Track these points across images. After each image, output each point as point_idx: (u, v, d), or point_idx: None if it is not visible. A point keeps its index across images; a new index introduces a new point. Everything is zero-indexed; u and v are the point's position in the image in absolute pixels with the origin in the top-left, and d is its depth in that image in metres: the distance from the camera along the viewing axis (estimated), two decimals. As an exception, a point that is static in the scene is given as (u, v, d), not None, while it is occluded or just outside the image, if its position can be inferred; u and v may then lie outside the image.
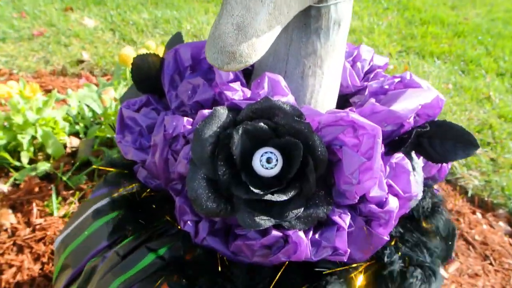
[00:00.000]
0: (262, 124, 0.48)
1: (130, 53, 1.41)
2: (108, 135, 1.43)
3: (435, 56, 3.07)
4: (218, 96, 0.54)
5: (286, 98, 0.51)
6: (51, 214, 1.21)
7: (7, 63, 2.39)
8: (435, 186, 0.72)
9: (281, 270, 0.52)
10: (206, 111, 0.51)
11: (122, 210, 0.60)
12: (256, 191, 0.46)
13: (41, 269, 1.09)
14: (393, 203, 0.51)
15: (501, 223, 1.76)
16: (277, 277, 0.51)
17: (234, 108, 0.51)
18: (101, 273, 0.61)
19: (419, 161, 0.60)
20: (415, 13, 3.83)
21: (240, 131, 0.48)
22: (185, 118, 0.53)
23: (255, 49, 0.43)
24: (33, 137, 1.37)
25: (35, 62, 2.42)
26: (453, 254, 0.84)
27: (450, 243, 0.65)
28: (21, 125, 1.31)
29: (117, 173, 0.70)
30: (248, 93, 0.54)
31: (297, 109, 0.49)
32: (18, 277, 1.05)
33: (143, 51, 1.50)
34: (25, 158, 1.35)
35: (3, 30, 2.68)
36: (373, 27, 3.44)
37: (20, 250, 1.12)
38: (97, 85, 2.04)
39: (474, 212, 1.78)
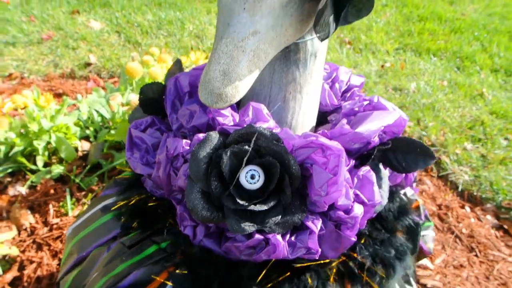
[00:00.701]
0: (246, 147, 0.59)
1: (135, 66, 1.51)
2: (116, 139, 1.54)
3: (431, 53, 3.15)
4: (212, 121, 0.64)
5: (267, 124, 0.62)
6: (66, 214, 1.33)
7: (18, 67, 2.50)
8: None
9: (267, 267, 0.63)
10: (201, 135, 0.61)
11: (130, 210, 0.71)
12: (242, 202, 0.57)
13: (59, 264, 1.21)
14: (358, 210, 0.62)
15: (489, 217, 1.86)
16: (262, 273, 0.62)
17: (224, 132, 0.61)
18: (107, 259, 0.71)
19: (386, 172, 0.70)
20: (413, 9, 3.91)
21: (228, 153, 0.58)
22: (184, 140, 0.63)
23: (238, 90, 0.53)
24: (48, 143, 1.48)
25: (45, 66, 2.53)
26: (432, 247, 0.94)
27: (415, 239, 0.75)
28: (36, 132, 1.42)
29: (126, 177, 0.81)
30: (237, 117, 0.64)
31: (275, 134, 0.59)
32: (38, 272, 1.17)
33: (148, 57, 1.61)
34: (40, 162, 1.46)
35: (14, 34, 2.79)
36: (371, 24, 3.52)
37: (39, 247, 1.23)
38: (104, 88, 2.15)
39: (463, 207, 1.88)
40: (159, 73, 1.47)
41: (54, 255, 1.22)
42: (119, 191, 0.76)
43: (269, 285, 0.62)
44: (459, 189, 1.96)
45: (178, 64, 0.77)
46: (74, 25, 2.96)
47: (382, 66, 2.90)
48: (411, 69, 2.89)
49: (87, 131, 1.62)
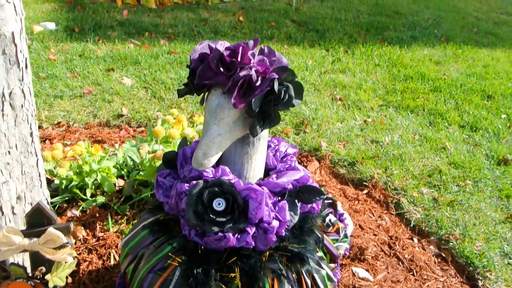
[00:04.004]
0: (216, 189, 1.16)
1: (160, 129, 2.10)
2: (144, 178, 2.12)
3: (410, 110, 3.71)
4: (201, 174, 1.22)
5: (228, 177, 1.19)
6: (108, 230, 1.90)
7: (65, 116, 3.13)
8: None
9: (226, 252, 1.19)
10: (194, 182, 1.18)
11: (157, 226, 1.28)
12: (212, 216, 1.14)
13: (103, 263, 1.78)
14: (275, 223, 1.18)
15: (432, 247, 2.37)
16: (226, 252, 1.18)
17: (206, 181, 1.18)
18: (147, 255, 1.28)
19: (298, 204, 1.26)
20: (401, 69, 4.49)
21: (207, 192, 1.15)
22: (186, 184, 1.20)
23: (210, 162, 1.11)
24: (95, 179, 2.06)
25: (86, 116, 3.15)
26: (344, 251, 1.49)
27: (318, 244, 1.30)
28: (88, 171, 2.01)
29: (153, 207, 1.38)
30: (212, 173, 1.21)
31: (231, 183, 1.16)
32: (89, 268, 1.73)
33: (168, 117, 2.21)
34: (89, 193, 2.05)
35: (61, 88, 3.44)
36: (361, 83, 4.11)
37: (89, 252, 1.80)
38: (134, 137, 2.75)
39: (411, 238, 2.40)
40: (176, 133, 2.07)
41: (100, 257, 1.79)
42: (151, 211, 1.33)
43: (229, 261, 1.19)
44: (411, 224, 2.47)
45: (184, 141, 1.36)
46: (110, 81, 3.60)
47: (365, 121, 3.46)
48: (389, 124, 3.45)
49: (122, 172, 2.21)
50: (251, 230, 1.16)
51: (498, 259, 2.26)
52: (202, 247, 1.22)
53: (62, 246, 1.08)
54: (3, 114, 1.40)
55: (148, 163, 2.15)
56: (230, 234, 1.14)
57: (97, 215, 1.98)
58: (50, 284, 1.11)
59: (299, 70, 4.26)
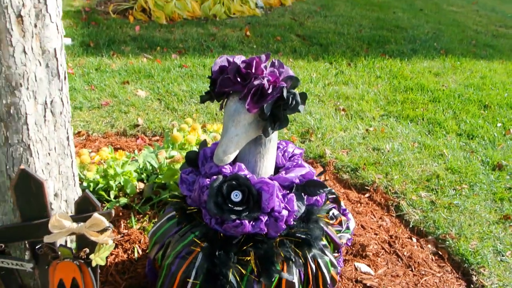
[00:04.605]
0: (234, 182, 1.34)
1: (178, 134, 2.30)
2: (162, 181, 2.31)
3: (410, 119, 3.90)
4: (220, 170, 1.41)
5: (244, 172, 1.38)
6: (132, 227, 2.09)
7: (84, 126, 3.33)
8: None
9: (242, 239, 1.38)
10: (214, 177, 1.38)
11: (182, 214, 1.47)
12: (231, 206, 1.32)
13: (127, 257, 1.96)
14: (285, 212, 1.36)
15: (429, 246, 2.54)
16: (242, 239, 1.37)
17: (225, 175, 1.37)
18: (173, 243, 1.47)
19: (304, 196, 1.45)
20: (402, 81, 4.68)
21: (226, 185, 1.34)
22: (207, 179, 1.39)
23: (229, 158, 1.30)
24: (118, 182, 2.26)
25: (104, 126, 3.36)
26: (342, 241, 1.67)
27: (322, 232, 1.49)
28: (112, 175, 2.21)
29: (175, 201, 1.57)
30: (230, 169, 1.40)
31: (247, 177, 1.35)
32: (116, 260, 1.92)
33: (184, 126, 2.40)
34: (112, 195, 2.24)
35: (80, 100, 3.65)
36: (363, 94, 4.30)
37: (115, 246, 1.99)
38: (151, 145, 2.95)
39: (410, 238, 2.57)
40: (192, 139, 2.27)
41: (125, 251, 1.98)
42: (176, 204, 1.52)
43: (244, 247, 1.37)
44: (410, 225, 2.65)
45: (204, 143, 1.55)
46: (125, 93, 3.81)
47: (367, 130, 3.65)
48: (390, 132, 3.63)
49: (142, 176, 2.40)
50: (264, 218, 1.35)
51: (492, 257, 2.43)
52: (222, 234, 1.40)
53: (104, 230, 1.26)
54: (45, 120, 1.60)
55: (166, 167, 2.34)
56: (246, 221, 1.33)
57: (121, 214, 2.17)
58: (93, 263, 1.30)
59: (304, 83, 4.46)
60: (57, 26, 1.56)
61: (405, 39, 6.03)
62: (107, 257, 1.63)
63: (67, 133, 1.72)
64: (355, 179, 3.00)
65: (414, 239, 2.56)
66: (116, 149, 3.00)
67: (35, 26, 1.49)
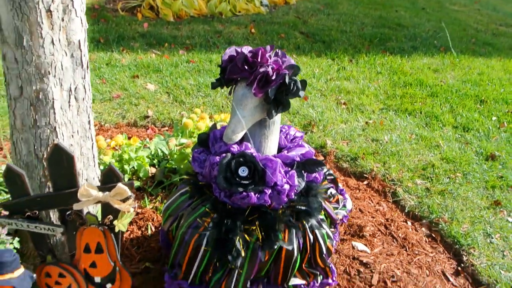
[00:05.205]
0: (241, 159, 1.51)
1: (189, 122, 2.47)
2: (173, 166, 2.48)
3: (408, 112, 4.05)
4: (228, 148, 1.57)
5: (250, 151, 1.54)
6: (145, 207, 2.26)
7: (97, 117, 3.50)
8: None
9: (248, 210, 1.54)
10: (224, 154, 1.54)
11: (193, 189, 1.64)
12: (238, 180, 1.49)
13: (141, 233, 2.14)
14: (286, 186, 1.53)
15: (423, 229, 2.70)
16: (248, 210, 1.54)
17: (233, 153, 1.54)
18: (186, 215, 1.64)
19: (304, 174, 1.61)
20: (401, 76, 4.84)
21: (234, 161, 1.51)
22: (217, 157, 1.56)
23: (237, 137, 1.47)
24: (132, 167, 2.42)
25: (116, 117, 3.53)
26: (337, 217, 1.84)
27: (320, 206, 1.65)
28: (127, 159, 2.37)
29: (186, 178, 1.74)
30: (238, 147, 1.57)
31: (253, 155, 1.52)
32: (131, 236, 2.09)
33: (193, 116, 2.57)
34: (126, 178, 2.41)
35: (92, 93, 3.81)
36: (364, 89, 4.46)
37: (130, 223, 2.16)
38: (162, 134, 3.12)
39: (405, 221, 2.73)
40: (202, 126, 2.44)
41: (139, 228, 2.15)
42: (188, 180, 1.69)
43: (250, 218, 1.54)
44: (406, 210, 2.81)
45: (214, 126, 1.72)
46: (135, 87, 3.98)
47: (367, 122, 3.81)
48: (388, 125, 3.79)
49: (154, 161, 2.57)
50: (268, 191, 1.51)
51: (482, 239, 2.59)
52: (230, 206, 1.57)
53: (127, 199, 1.43)
54: (69, 105, 1.77)
55: (176, 153, 2.51)
56: (252, 194, 1.49)
57: (135, 195, 2.34)
58: (116, 229, 1.46)
59: (307, 78, 4.62)
60: (81, 20, 1.73)
61: (406, 37, 6.17)
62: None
63: (89, 117, 1.89)
64: (354, 168, 3.16)
65: (409, 223, 2.72)
66: (128, 139, 3.17)
67: (62, 20, 1.66)
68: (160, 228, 1.96)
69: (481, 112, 4.15)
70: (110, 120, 3.46)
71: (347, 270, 2.21)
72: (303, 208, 1.59)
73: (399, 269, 2.29)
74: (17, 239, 1.77)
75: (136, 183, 2.40)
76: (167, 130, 3.31)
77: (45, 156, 1.74)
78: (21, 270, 1.38)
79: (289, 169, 1.57)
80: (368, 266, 2.25)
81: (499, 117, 4.08)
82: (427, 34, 6.37)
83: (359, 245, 2.40)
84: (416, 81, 4.75)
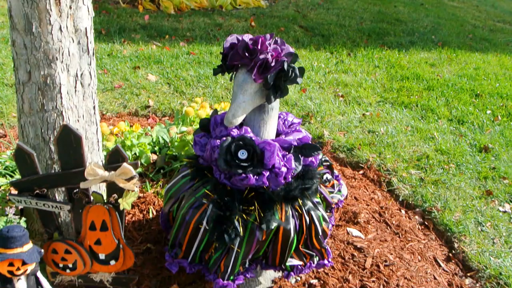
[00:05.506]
0: (241, 142, 1.58)
1: (190, 110, 2.54)
2: (174, 153, 2.55)
3: (404, 105, 4.12)
4: (229, 132, 1.64)
5: (250, 135, 1.61)
6: (147, 191, 2.33)
7: (99, 107, 3.55)
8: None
9: (247, 189, 1.62)
10: (224, 138, 1.61)
11: (194, 171, 1.71)
12: (237, 162, 1.56)
13: (143, 216, 2.21)
14: (284, 169, 1.60)
15: (417, 217, 2.78)
16: (246, 191, 1.61)
17: (233, 137, 1.61)
18: (187, 196, 1.71)
19: (301, 157, 1.69)
20: (398, 70, 4.91)
21: (234, 144, 1.58)
22: (217, 140, 1.63)
23: (237, 121, 1.54)
24: (134, 153, 2.50)
25: (117, 106, 3.59)
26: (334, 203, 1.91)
27: (315, 189, 1.72)
28: (129, 146, 2.44)
29: (188, 161, 1.81)
30: (238, 131, 1.64)
31: (252, 138, 1.59)
32: (133, 219, 2.16)
33: (194, 104, 2.64)
34: (128, 164, 2.47)
35: (94, 83, 3.87)
36: (362, 82, 4.53)
37: (132, 207, 2.23)
38: (163, 122, 3.19)
39: (399, 210, 2.81)
40: (203, 114, 2.51)
41: (141, 211, 2.22)
42: (189, 164, 1.76)
43: (249, 196, 1.61)
44: (400, 199, 2.88)
45: (215, 111, 1.79)
46: (136, 77, 4.05)
47: (363, 114, 3.88)
48: (385, 117, 3.86)
49: (155, 148, 2.64)
50: (266, 173, 1.58)
51: (473, 227, 2.67)
52: (229, 188, 1.64)
53: (131, 178, 1.50)
54: (75, 90, 1.83)
55: (177, 140, 2.58)
56: (251, 175, 1.56)
57: (137, 180, 2.41)
58: (121, 207, 1.53)
59: (305, 70, 4.68)
60: (88, 8, 1.80)
61: (404, 32, 6.24)
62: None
63: (94, 103, 1.96)
64: (350, 158, 3.23)
65: (403, 211, 2.80)
66: (130, 126, 3.24)
67: (70, 7, 1.72)
68: (160, 211, 2.04)
69: (476, 105, 4.23)
70: (111, 110, 3.53)
71: (342, 254, 2.29)
72: (300, 186, 1.66)
73: (392, 254, 2.36)
74: (23, 218, 1.85)
75: (138, 170, 2.47)
76: (168, 119, 3.38)
77: (51, 139, 1.81)
78: (29, 245, 1.44)
79: (287, 152, 1.64)
80: (362, 250, 2.33)
81: (494, 111, 4.15)
82: (425, 29, 6.44)
83: (354, 231, 2.47)
84: (413, 75, 4.82)
